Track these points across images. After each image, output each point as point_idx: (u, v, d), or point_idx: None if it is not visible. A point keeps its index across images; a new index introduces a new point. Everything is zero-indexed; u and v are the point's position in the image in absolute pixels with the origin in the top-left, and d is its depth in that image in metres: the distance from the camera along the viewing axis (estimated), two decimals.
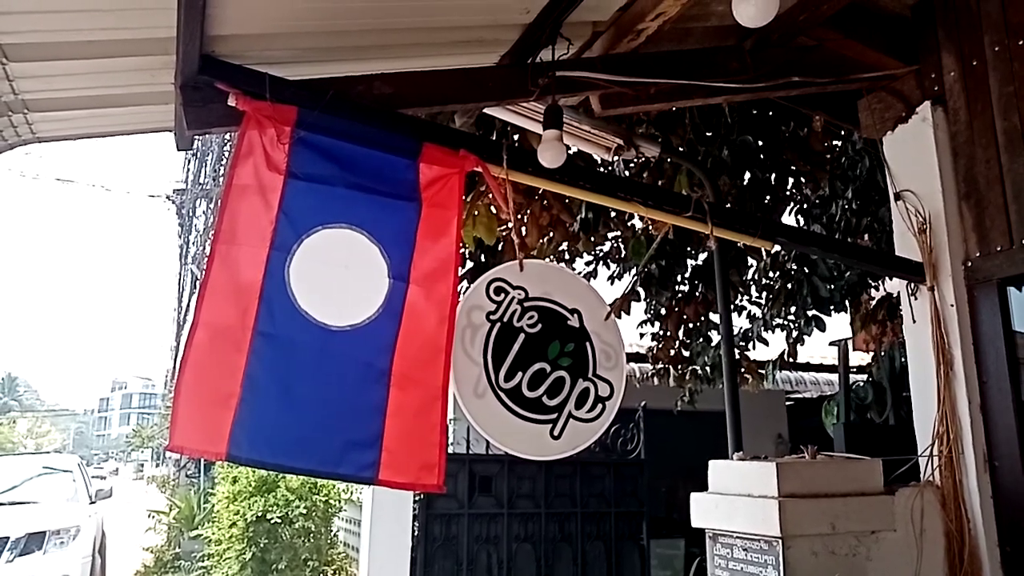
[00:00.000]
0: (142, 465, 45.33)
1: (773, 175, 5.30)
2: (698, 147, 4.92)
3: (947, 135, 3.05)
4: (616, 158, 4.10)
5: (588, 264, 6.20)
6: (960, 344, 2.85)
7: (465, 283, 3.63)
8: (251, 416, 2.02)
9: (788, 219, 5.74)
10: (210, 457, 2.23)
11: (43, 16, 2.00)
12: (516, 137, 4.30)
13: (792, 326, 6.20)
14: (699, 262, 5.97)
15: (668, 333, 6.45)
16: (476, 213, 4.29)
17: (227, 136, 8.27)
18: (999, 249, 2.83)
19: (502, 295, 2.43)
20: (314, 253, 2.15)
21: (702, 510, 2.60)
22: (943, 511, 2.73)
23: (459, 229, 2.32)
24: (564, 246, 5.58)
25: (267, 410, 2.05)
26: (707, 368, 6.42)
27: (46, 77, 2.25)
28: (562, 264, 5.52)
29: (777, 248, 5.33)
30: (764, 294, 6.28)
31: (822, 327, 5.97)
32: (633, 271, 6.05)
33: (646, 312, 6.48)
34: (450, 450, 5.03)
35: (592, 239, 5.46)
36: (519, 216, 4.85)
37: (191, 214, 16.62)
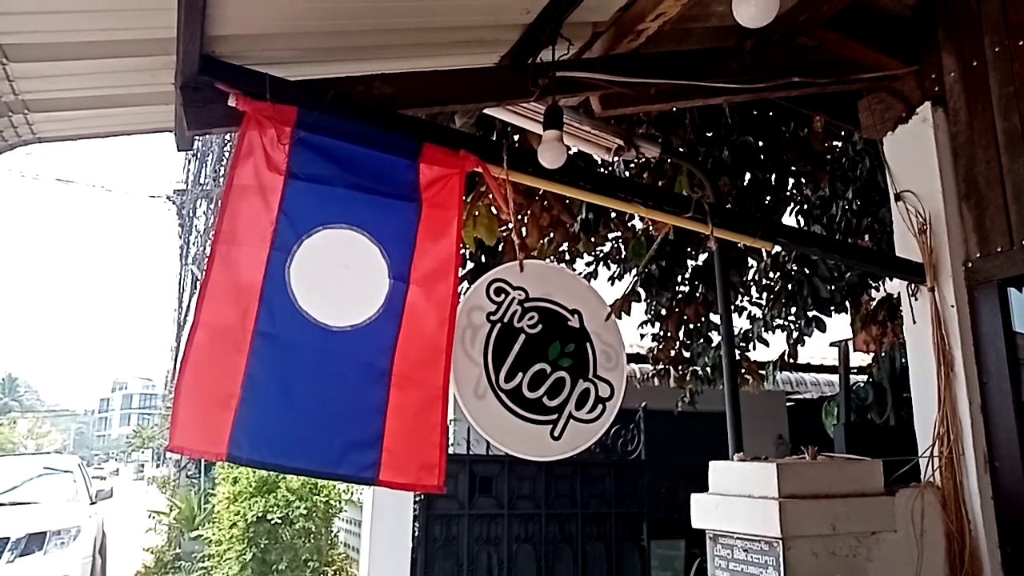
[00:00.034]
0: (142, 465, 45.35)
1: (773, 176, 5.29)
2: (698, 147, 4.92)
3: (947, 135, 3.05)
4: (616, 159, 4.10)
5: (588, 265, 6.20)
6: (960, 345, 2.85)
7: (465, 284, 3.63)
8: (251, 416, 2.02)
9: (788, 220, 5.74)
10: (210, 457, 2.23)
11: (43, 17, 2.00)
12: (516, 138, 4.30)
13: (792, 327, 6.20)
14: (699, 263, 5.97)
15: (668, 334, 6.45)
16: (476, 214, 4.29)
17: (227, 136, 8.27)
18: (999, 250, 2.83)
19: (502, 296, 2.43)
20: (314, 253, 2.15)
21: (702, 511, 2.60)
22: (943, 512, 2.73)
23: (459, 229, 2.32)
24: (564, 247, 5.58)
25: (267, 410, 2.05)
26: (707, 369, 6.43)
27: (47, 77, 2.26)
28: (562, 265, 5.52)
29: (777, 249, 5.34)
30: (764, 295, 6.27)
31: (822, 328, 5.97)
32: (633, 272, 6.05)
33: (646, 313, 6.48)
34: (450, 451, 5.03)
35: (592, 240, 5.46)
36: (519, 217, 4.85)
37: (191, 214, 16.62)
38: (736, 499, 2.48)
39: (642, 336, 6.73)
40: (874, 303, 6.18)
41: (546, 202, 4.94)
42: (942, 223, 2.98)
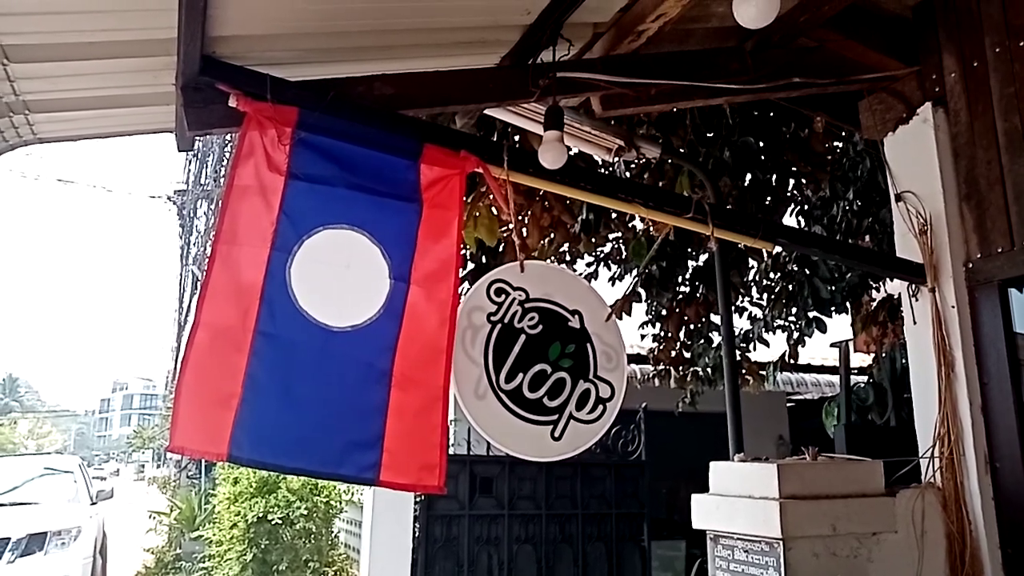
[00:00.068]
0: (143, 466, 45.35)
1: (774, 176, 5.29)
2: (699, 148, 4.92)
3: (948, 136, 3.05)
4: (617, 159, 4.10)
5: (589, 265, 6.20)
6: (961, 345, 2.85)
7: (466, 284, 3.63)
8: (252, 417, 2.02)
9: (789, 220, 5.74)
10: (211, 458, 2.23)
11: (44, 17, 2.00)
12: (517, 138, 4.30)
13: (793, 327, 6.20)
14: (700, 263, 5.97)
15: (669, 334, 6.45)
16: (477, 214, 4.29)
17: (228, 137, 8.28)
18: (1000, 250, 2.83)
19: (503, 296, 2.43)
20: (315, 254, 2.15)
21: (703, 511, 2.60)
22: (944, 513, 2.73)
23: (460, 230, 2.32)
24: (565, 247, 5.58)
25: (268, 411, 2.05)
26: (708, 369, 6.42)
27: (47, 78, 2.26)
28: (563, 265, 5.52)
29: (778, 249, 5.35)
30: (765, 295, 6.27)
31: (823, 328, 5.97)
32: (634, 272, 6.05)
33: (647, 313, 6.48)
34: (451, 451, 5.03)
35: (593, 240, 5.47)
36: (520, 217, 4.85)
37: (192, 215, 16.63)
38: (737, 500, 2.48)
39: (643, 337, 6.73)
40: (874, 304, 6.17)
41: (547, 203, 4.94)
42: (943, 224, 2.98)
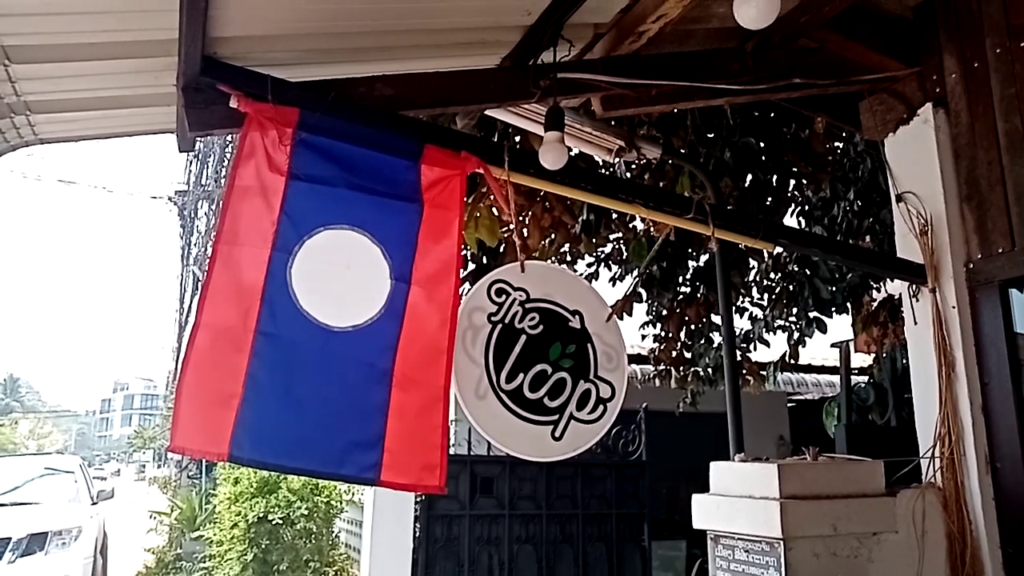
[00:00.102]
0: (144, 466, 45.34)
1: (775, 177, 5.30)
2: (700, 149, 4.92)
3: (948, 137, 3.05)
4: (617, 160, 4.10)
5: (590, 266, 6.21)
6: (962, 346, 2.85)
7: (467, 285, 3.63)
8: (253, 417, 2.02)
9: (790, 221, 5.73)
10: (212, 458, 2.23)
11: (45, 18, 2.01)
12: (517, 139, 4.30)
13: (793, 328, 6.20)
14: (700, 264, 5.97)
15: (670, 335, 6.45)
16: (478, 215, 4.29)
17: (229, 138, 8.28)
18: (1000, 251, 2.83)
19: (503, 296, 2.43)
20: (316, 254, 2.15)
21: (703, 511, 2.60)
22: (945, 513, 2.73)
23: (461, 230, 2.32)
24: (566, 248, 5.58)
25: (269, 411, 2.05)
26: (709, 369, 6.43)
27: (49, 79, 2.26)
28: (564, 266, 5.52)
29: (779, 250, 5.35)
30: (765, 296, 6.27)
31: (823, 329, 5.97)
32: (635, 273, 6.05)
33: (647, 313, 6.48)
34: (451, 451, 5.03)
35: (594, 241, 5.47)
36: (521, 218, 4.86)
37: (193, 215, 16.63)
38: (737, 500, 2.48)
39: (643, 337, 6.73)
40: (875, 304, 6.17)
41: (547, 203, 4.95)
42: (943, 224, 2.98)
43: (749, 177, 5.14)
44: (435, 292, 2.24)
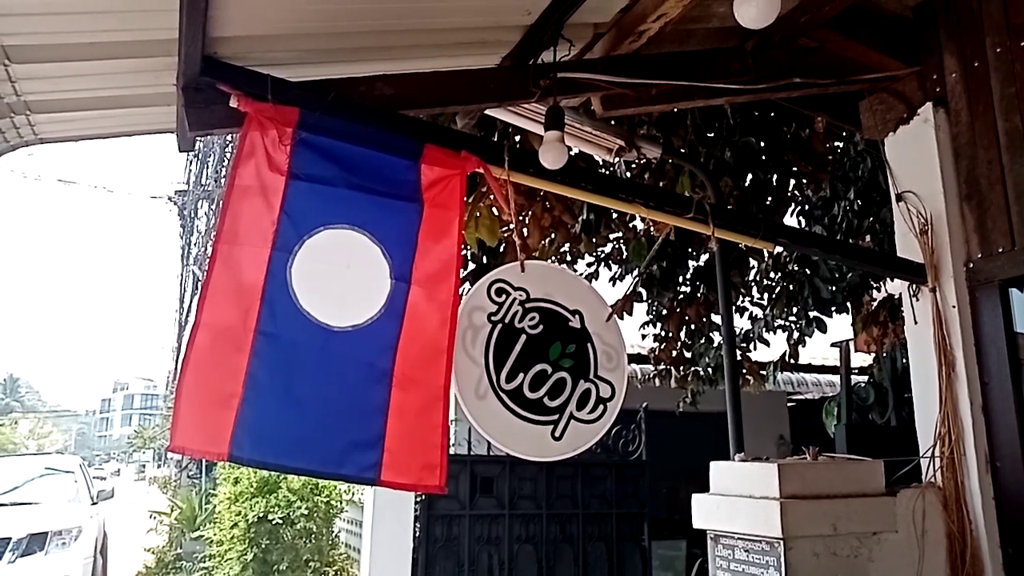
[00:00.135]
0: (144, 466, 45.34)
1: (775, 176, 5.30)
2: (700, 148, 4.92)
3: (949, 136, 3.05)
4: (617, 159, 4.10)
5: (590, 265, 6.21)
6: (962, 345, 2.85)
7: (467, 284, 3.63)
8: (253, 416, 2.02)
9: (790, 220, 5.74)
10: (212, 458, 2.23)
11: (45, 18, 2.01)
12: (517, 138, 4.30)
13: (793, 327, 6.20)
14: (700, 263, 5.98)
15: (670, 334, 6.46)
16: (478, 215, 4.29)
17: (229, 138, 8.28)
18: (1001, 250, 2.83)
19: (503, 296, 2.43)
20: (316, 253, 2.15)
21: (703, 511, 2.60)
22: (945, 512, 2.73)
23: (461, 230, 2.32)
24: (566, 247, 5.58)
25: (269, 410, 2.05)
26: (709, 369, 6.43)
27: (49, 79, 2.26)
28: (564, 265, 5.52)
29: (779, 249, 5.35)
30: (765, 295, 6.28)
31: (823, 328, 5.97)
32: (635, 272, 6.05)
33: (648, 313, 6.49)
34: (451, 451, 5.03)
35: (594, 240, 5.47)
36: (521, 217, 4.86)
37: (193, 215, 16.63)
38: (737, 499, 2.48)
39: (643, 336, 6.73)
40: (875, 303, 6.17)
41: (547, 203, 4.95)
42: (943, 224, 2.98)
43: (749, 177, 5.14)
44: (435, 292, 2.24)
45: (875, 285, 5.88)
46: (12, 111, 2.34)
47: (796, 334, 6.18)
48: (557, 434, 2.40)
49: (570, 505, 6.06)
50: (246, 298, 2.07)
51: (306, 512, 8.05)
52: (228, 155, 10.99)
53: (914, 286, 3.03)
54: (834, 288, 5.65)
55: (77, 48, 2.15)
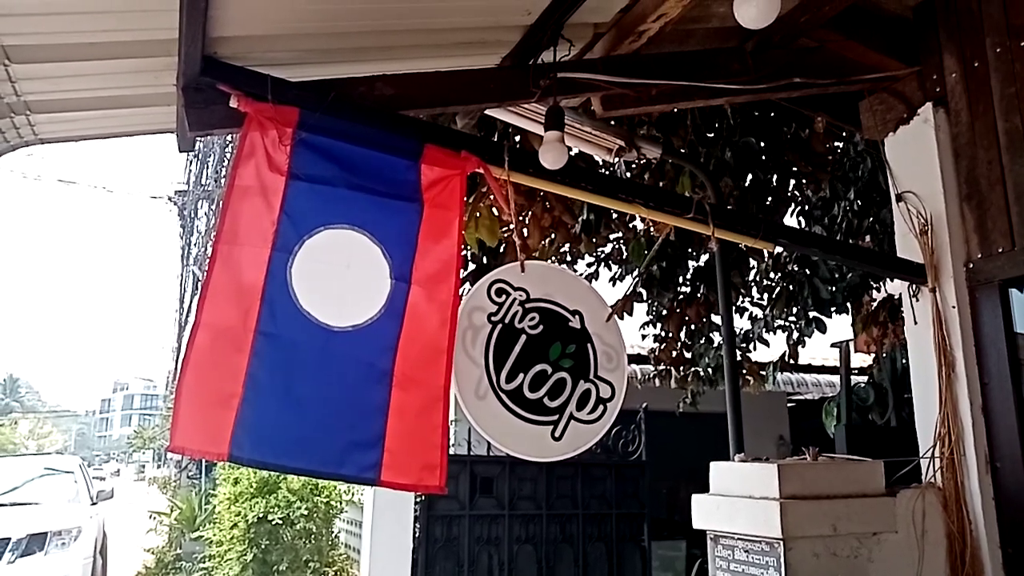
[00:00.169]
0: (143, 466, 45.35)
1: (775, 176, 5.30)
2: (700, 148, 4.92)
3: (949, 136, 3.05)
4: (617, 159, 4.10)
5: (590, 265, 6.21)
6: (962, 345, 2.85)
7: (467, 285, 3.63)
8: (253, 417, 2.02)
9: (790, 220, 5.74)
10: (212, 458, 2.23)
11: (45, 18, 2.01)
12: (517, 138, 4.30)
13: (793, 327, 6.20)
14: (700, 263, 5.98)
15: (670, 334, 6.46)
16: (478, 215, 4.29)
17: (229, 138, 8.28)
18: (1001, 251, 2.83)
19: (503, 296, 2.43)
20: (316, 254, 2.15)
21: (703, 512, 2.60)
22: (945, 513, 2.73)
23: (461, 230, 2.32)
24: (566, 247, 5.58)
25: (269, 411, 2.05)
26: (709, 369, 6.43)
27: (49, 79, 2.26)
28: (564, 265, 5.52)
29: (779, 249, 5.35)
30: (765, 295, 6.27)
31: (823, 329, 5.97)
32: (635, 272, 6.05)
33: (648, 313, 6.49)
34: (451, 451, 5.03)
35: (594, 240, 5.47)
36: (521, 217, 4.86)
37: (193, 215, 16.63)
38: (737, 500, 2.48)
39: (643, 337, 6.73)
40: (875, 304, 6.17)
41: (547, 203, 4.95)
42: (943, 224, 2.98)
43: (749, 177, 5.14)
44: (435, 292, 2.24)
45: (875, 285, 5.88)
46: (12, 111, 2.34)
47: (796, 334, 6.18)
48: (557, 434, 2.40)
49: (570, 505, 6.05)
50: (246, 298, 2.07)
51: (306, 512, 8.05)
52: (228, 155, 10.99)
53: (914, 286, 3.03)
54: (834, 288, 5.65)
55: (77, 48, 2.15)
